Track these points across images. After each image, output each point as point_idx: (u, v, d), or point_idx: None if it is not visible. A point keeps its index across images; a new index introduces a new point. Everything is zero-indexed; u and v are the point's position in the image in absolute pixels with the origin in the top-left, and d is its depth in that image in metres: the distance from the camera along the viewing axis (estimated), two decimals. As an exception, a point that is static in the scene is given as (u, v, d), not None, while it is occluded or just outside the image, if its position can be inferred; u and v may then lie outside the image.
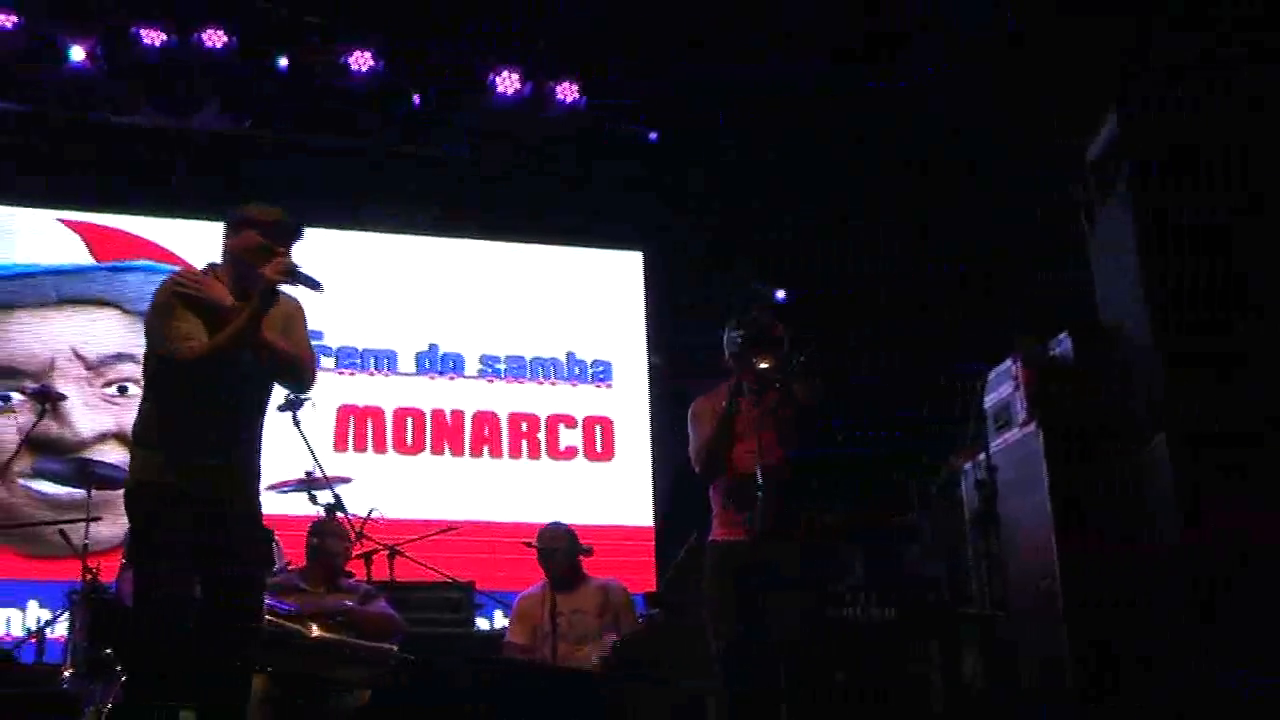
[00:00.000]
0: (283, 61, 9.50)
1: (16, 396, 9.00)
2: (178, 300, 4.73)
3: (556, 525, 7.49)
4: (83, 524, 7.03)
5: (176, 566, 4.55)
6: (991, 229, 8.94)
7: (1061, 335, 6.15)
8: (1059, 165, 6.97)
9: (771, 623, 5.44)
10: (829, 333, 9.48)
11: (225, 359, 4.68)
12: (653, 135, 10.42)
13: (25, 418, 7.93)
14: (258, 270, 4.70)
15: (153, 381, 4.79)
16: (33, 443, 7.86)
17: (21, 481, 8.39)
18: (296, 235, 4.86)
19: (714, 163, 10.21)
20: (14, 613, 8.77)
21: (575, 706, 5.91)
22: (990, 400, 6.30)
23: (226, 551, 4.68)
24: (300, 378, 5.03)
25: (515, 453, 10.15)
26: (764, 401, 5.66)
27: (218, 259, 4.92)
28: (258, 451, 4.89)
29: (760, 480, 5.48)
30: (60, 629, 7.43)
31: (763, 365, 5.58)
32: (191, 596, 4.56)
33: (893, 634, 6.31)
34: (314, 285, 4.76)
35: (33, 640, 7.56)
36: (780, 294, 10.74)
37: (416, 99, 9.85)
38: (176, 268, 9.52)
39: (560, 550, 7.26)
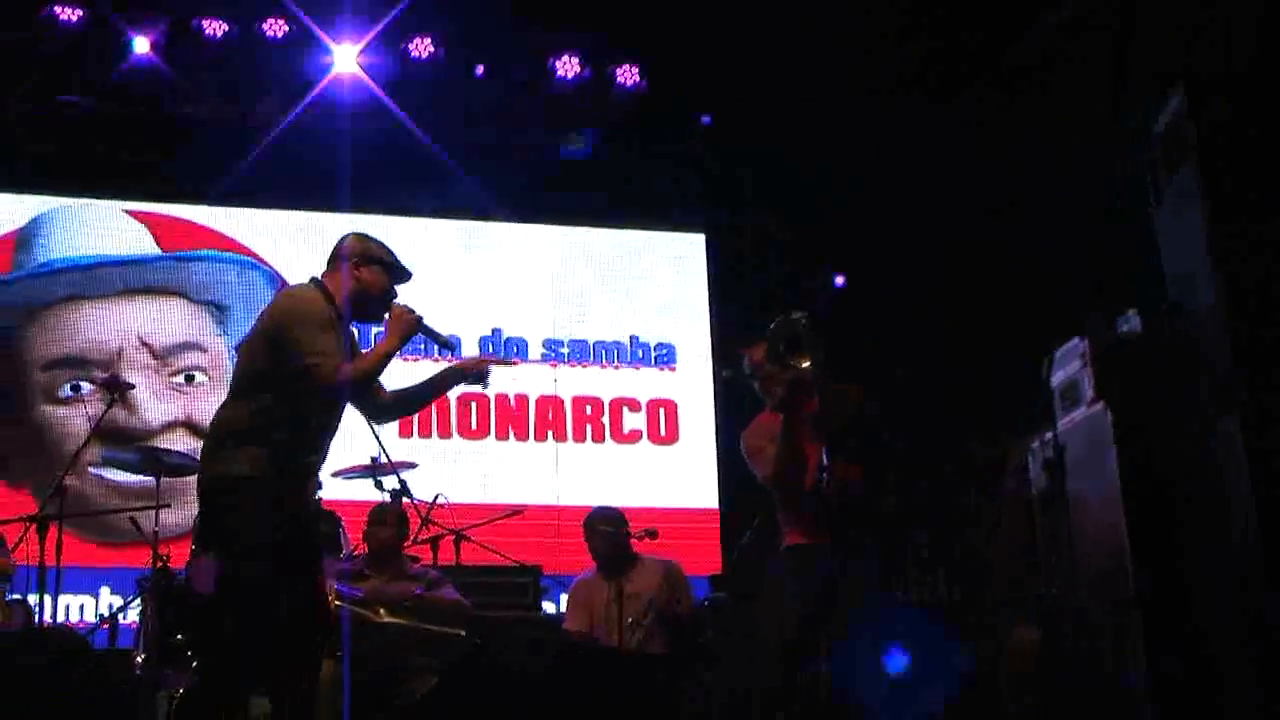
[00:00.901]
0: (343, 51, 9.54)
1: (86, 386, 9.11)
2: (326, 316, 4.83)
3: (604, 510, 7.47)
4: (153, 511, 7.11)
5: (266, 561, 4.64)
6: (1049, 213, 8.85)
7: (1130, 312, 6.06)
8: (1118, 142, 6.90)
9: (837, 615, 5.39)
10: (886, 316, 9.45)
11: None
12: (705, 119, 10.37)
13: (95, 407, 7.99)
14: (392, 313, 4.99)
15: (269, 381, 4.78)
16: (102, 432, 7.93)
17: (92, 470, 8.47)
18: (409, 279, 5.14)
19: (776, 144, 10.16)
20: (87, 599, 8.90)
21: (641, 689, 5.91)
22: (1057, 378, 6.22)
23: (306, 545, 4.83)
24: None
25: (579, 437, 10.18)
26: (810, 410, 5.52)
27: (317, 271, 5.07)
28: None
29: (827, 499, 5.35)
30: (132, 615, 7.51)
31: (804, 365, 5.44)
32: (279, 591, 4.66)
33: (957, 615, 6.28)
34: (449, 346, 5.38)
35: (105, 626, 7.65)
36: (839, 279, 10.69)
37: (478, 81, 9.86)
38: (241, 256, 9.71)
39: (610, 534, 7.25)
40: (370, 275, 4.99)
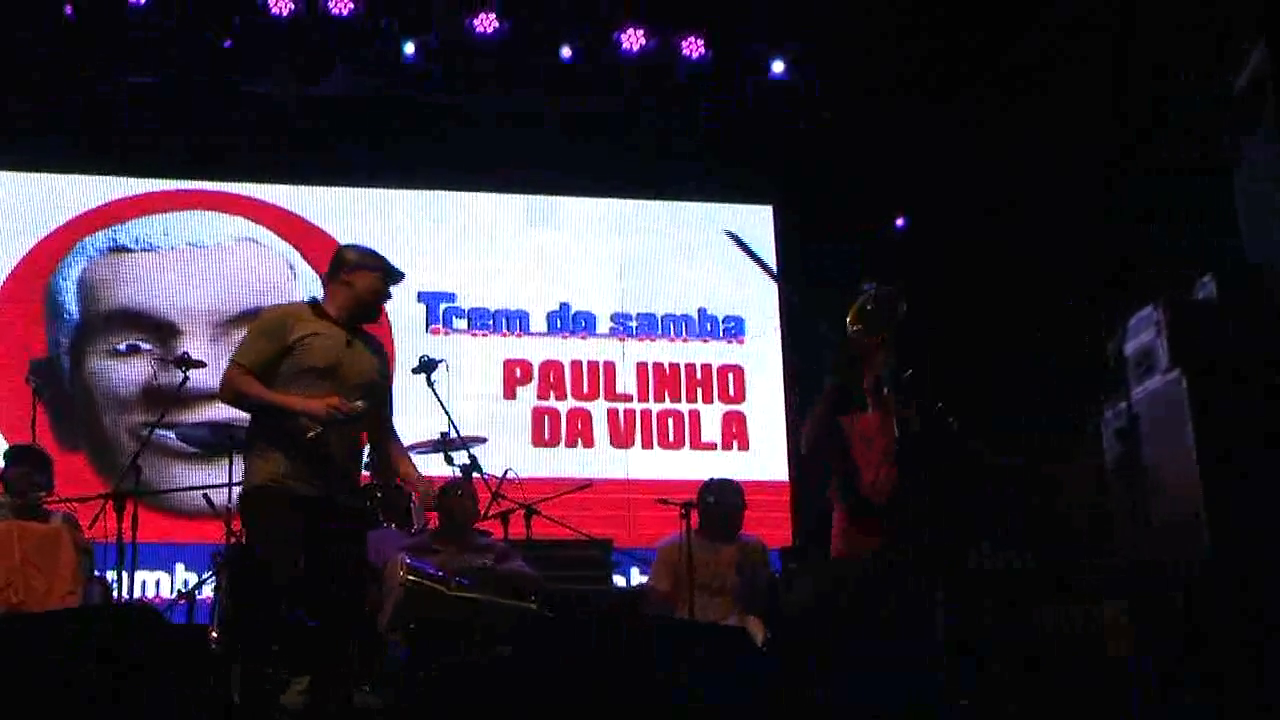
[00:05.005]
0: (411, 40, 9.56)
1: (145, 345, 9.16)
2: (271, 324, 5.29)
3: (729, 481, 7.53)
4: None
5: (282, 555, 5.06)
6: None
7: (1205, 278, 5.96)
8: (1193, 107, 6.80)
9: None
10: (951, 276, 9.33)
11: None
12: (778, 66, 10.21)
13: (151, 367, 8.08)
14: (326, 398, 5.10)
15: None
16: (162, 395, 8.02)
17: (159, 433, 8.36)
18: (401, 279, 5.54)
19: (843, 114, 10.07)
20: (163, 575, 9.00)
21: (713, 661, 5.89)
22: (1131, 346, 6.13)
23: (330, 536, 5.12)
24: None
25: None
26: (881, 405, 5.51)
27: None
28: (358, 450, 5.41)
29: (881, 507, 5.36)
30: (208, 590, 7.57)
31: (854, 328, 5.44)
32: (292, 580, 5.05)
33: (1033, 585, 6.20)
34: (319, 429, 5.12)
35: (183, 601, 7.72)
36: (900, 221, 10.58)
37: (541, 55, 9.82)
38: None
39: (734, 505, 7.33)
40: (362, 280, 5.38)
